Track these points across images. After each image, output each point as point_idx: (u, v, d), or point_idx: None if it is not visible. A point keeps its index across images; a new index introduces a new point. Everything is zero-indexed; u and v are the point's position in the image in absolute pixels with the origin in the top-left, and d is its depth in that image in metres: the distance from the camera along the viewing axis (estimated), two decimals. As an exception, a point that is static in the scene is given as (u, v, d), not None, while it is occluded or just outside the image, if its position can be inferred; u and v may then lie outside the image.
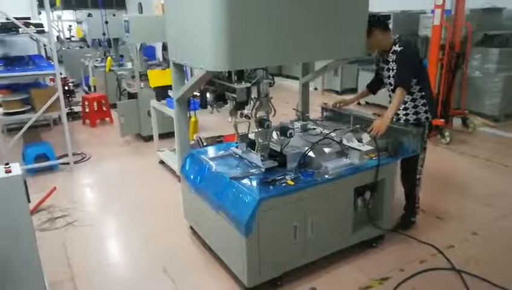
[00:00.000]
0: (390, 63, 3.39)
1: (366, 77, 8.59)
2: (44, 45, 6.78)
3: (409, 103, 3.46)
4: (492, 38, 7.58)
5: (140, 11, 6.85)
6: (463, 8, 6.16)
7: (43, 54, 8.37)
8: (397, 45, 3.35)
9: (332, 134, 3.34)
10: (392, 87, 3.43)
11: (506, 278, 3.05)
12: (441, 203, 3.63)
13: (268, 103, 3.19)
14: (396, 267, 3.20)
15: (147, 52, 8.66)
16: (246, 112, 3.12)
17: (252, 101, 3.12)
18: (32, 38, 6.54)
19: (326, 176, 2.95)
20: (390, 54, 3.38)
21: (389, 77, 3.45)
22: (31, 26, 5.79)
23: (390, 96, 3.52)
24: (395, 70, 3.35)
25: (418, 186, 3.67)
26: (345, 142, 3.23)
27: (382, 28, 3.38)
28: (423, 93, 3.43)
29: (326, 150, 3.18)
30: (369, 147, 3.14)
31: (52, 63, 5.18)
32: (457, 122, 6.73)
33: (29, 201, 2.41)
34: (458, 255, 3.37)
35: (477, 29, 7.04)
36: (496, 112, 7.05)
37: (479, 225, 3.81)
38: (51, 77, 6.89)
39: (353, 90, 8.87)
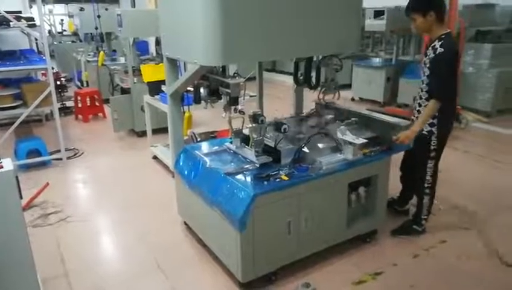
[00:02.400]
0: (426, 58, 3.26)
1: (360, 73, 8.63)
2: (36, 39, 6.71)
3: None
4: (485, 34, 7.63)
5: (133, 5, 6.80)
6: (456, 4, 6.17)
7: (35, 48, 8.28)
8: (440, 43, 3.12)
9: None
10: (421, 91, 3.31)
11: (497, 271, 3.09)
12: (435, 198, 3.67)
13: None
14: (389, 262, 3.22)
15: (140, 46, 8.59)
16: (239, 107, 3.11)
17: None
18: (23, 32, 6.46)
19: (321, 171, 2.95)
20: (430, 48, 3.20)
21: (424, 74, 3.29)
22: (22, 20, 5.71)
23: (420, 91, 3.35)
24: (430, 73, 3.19)
25: (428, 196, 3.48)
26: (339, 135, 3.22)
27: (439, 15, 3.15)
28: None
29: (321, 145, 3.18)
30: (363, 140, 3.13)
31: (44, 58, 5.13)
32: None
33: (21, 197, 2.38)
34: (450, 250, 3.40)
35: (470, 25, 7.07)
36: (489, 107, 7.11)
37: (472, 221, 3.84)
38: (42, 72, 6.83)
39: (347, 86, 8.88)
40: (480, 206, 4.11)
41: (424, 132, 3.29)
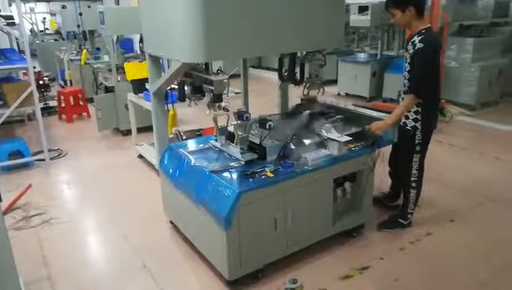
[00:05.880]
0: (406, 53, 3.27)
1: (345, 68, 8.66)
2: (17, 38, 6.57)
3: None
4: (467, 28, 7.72)
5: (117, 3, 6.70)
6: (439, -1, 6.23)
7: (16, 47, 8.12)
8: (419, 38, 3.11)
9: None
10: (403, 86, 3.33)
11: (482, 263, 3.14)
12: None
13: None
14: (376, 257, 3.24)
15: (125, 44, 8.47)
16: (223, 104, 3.08)
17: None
18: (2, 31, 6.31)
19: (306, 167, 2.95)
20: (410, 43, 3.20)
21: (405, 69, 3.30)
22: (1, 18, 5.58)
23: (403, 86, 3.37)
24: (410, 68, 3.20)
25: (414, 190, 3.49)
26: (323, 133, 3.22)
27: (418, 10, 3.15)
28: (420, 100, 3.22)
29: (306, 141, 3.18)
30: (347, 138, 3.14)
31: (25, 57, 5.02)
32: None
33: (0, 200, 2.33)
34: (436, 242, 3.43)
35: (453, 20, 7.14)
36: (472, 101, 7.19)
37: (456, 213, 3.88)
38: (23, 71, 6.70)
39: (333, 82, 8.90)
40: (464, 198, 4.17)
41: (407, 128, 3.31)
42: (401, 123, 3.34)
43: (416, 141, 3.33)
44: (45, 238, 3.66)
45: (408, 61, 3.24)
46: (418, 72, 3.16)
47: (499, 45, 7.74)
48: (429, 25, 3.24)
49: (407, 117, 3.30)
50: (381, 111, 3.77)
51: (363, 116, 3.56)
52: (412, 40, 3.20)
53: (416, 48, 3.12)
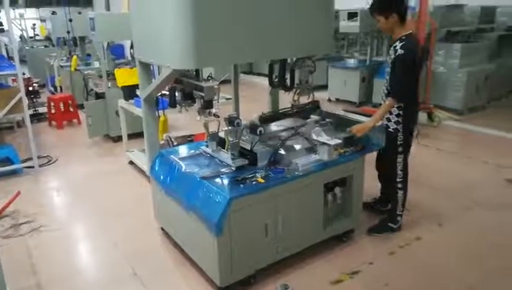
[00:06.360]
0: (388, 58, 3.38)
1: (335, 74, 8.73)
2: (6, 45, 6.53)
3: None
4: (455, 34, 7.84)
5: (108, 9, 6.69)
6: (426, 6, 6.32)
7: (5, 53, 8.06)
8: (400, 44, 3.21)
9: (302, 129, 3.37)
10: (385, 90, 3.42)
11: (470, 266, 3.18)
12: (408, 195, 3.73)
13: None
14: (366, 261, 3.26)
15: (116, 50, 8.46)
16: (214, 110, 3.09)
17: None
18: (-9, 37, 6.27)
19: (297, 173, 2.96)
20: (392, 49, 3.31)
21: (387, 73, 3.40)
22: (-11, 25, 5.55)
23: (385, 90, 3.45)
24: (391, 73, 3.30)
25: (401, 191, 3.54)
26: (313, 137, 3.24)
27: (401, 16, 3.25)
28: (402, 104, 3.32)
29: (297, 146, 3.20)
30: (338, 141, 3.17)
31: (14, 63, 4.99)
32: (422, 116, 6.91)
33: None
34: (425, 246, 3.47)
35: (440, 26, 7.25)
36: (460, 105, 7.30)
37: (445, 216, 3.93)
38: (13, 78, 6.65)
39: (324, 87, 8.96)
40: (453, 202, 4.21)
41: (390, 130, 3.41)
42: (384, 126, 3.43)
43: (399, 142, 3.43)
44: (34, 247, 3.62)
45: (390, 66, 3.35)
46: (398, 76, 3.26)
47: (486, 50, 7.87)
48: (410, 31, 3.35)
49: (389, 120, 3.41)
50: (370, 116, 3.81)
51: (352, 121, 3.59)
52: (394, 45, 3.31)
53: (397, 53, 3.23)
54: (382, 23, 3.32)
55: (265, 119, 3.44)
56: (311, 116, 3.71)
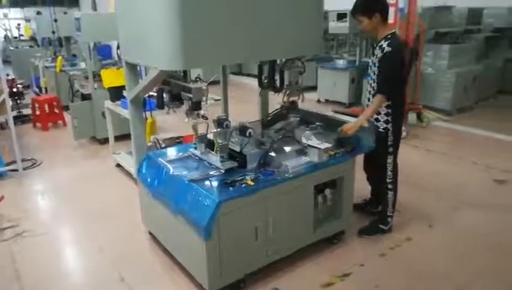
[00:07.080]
0: (374, 58, 3.36)
1: (325, 75, 8.73)
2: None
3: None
4: (443, 35, 7.90)
5: (94, 9, 6.60)
6: (414, 7, 6.34)
7: (-12, 54, 7.88)
8: (387, 42, 3.23)
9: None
10: (373, 90, 3.39)
11: (460, 268, 3.17)
12: (398, 197, 3.73)
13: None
14: (357, 263, 3.23)
15: (103, 50, 8.33)
16: (202, 112, 3.04)
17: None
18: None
19: (287, 175, 2.92)
20: (378, 48, 3.31)
21: (373, 72, 3.38)
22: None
23: (370, 92, 3.45)
24: (379, 72, 3.28)
25: (391, 191, 3.54)
26: (304, 140, 3.22)
27: (383, 16, 3.28)
28: (389, 102, 3.33)
29: (287, 148, 3.16)
30: (328, 145, 3.14)
31: (-3, 64, 4.87)
32: (412, 117, 6.94)
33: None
34: (415, 247, 3.45)
35: (429, 27, 7.29)
36: (449, 106, 7.35)
37: (435, 217, 3.92)
38: (-5, 79, 6.49)
39: (313, 88, 8.96)
40: (443, 202, 4.22)
41: (380, 130, 3.40)
42: (373, 126, 3.41)
43: (389, 143, 3.42)
44: (18, 252, 3.52)
45: (377, 65, 3.33)
46: (386, 74, 3.26)
47: (474, 51, 7.95)
48: (394, 30, 3.38)
49: (378, 120, 3.40)
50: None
51: (341, 123, 3.56)
52: (379, 44, 3.31)
53: (384, 51, 3.23)
54: (365, 24, 3.32)
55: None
56: (290, 116, 3.69)
